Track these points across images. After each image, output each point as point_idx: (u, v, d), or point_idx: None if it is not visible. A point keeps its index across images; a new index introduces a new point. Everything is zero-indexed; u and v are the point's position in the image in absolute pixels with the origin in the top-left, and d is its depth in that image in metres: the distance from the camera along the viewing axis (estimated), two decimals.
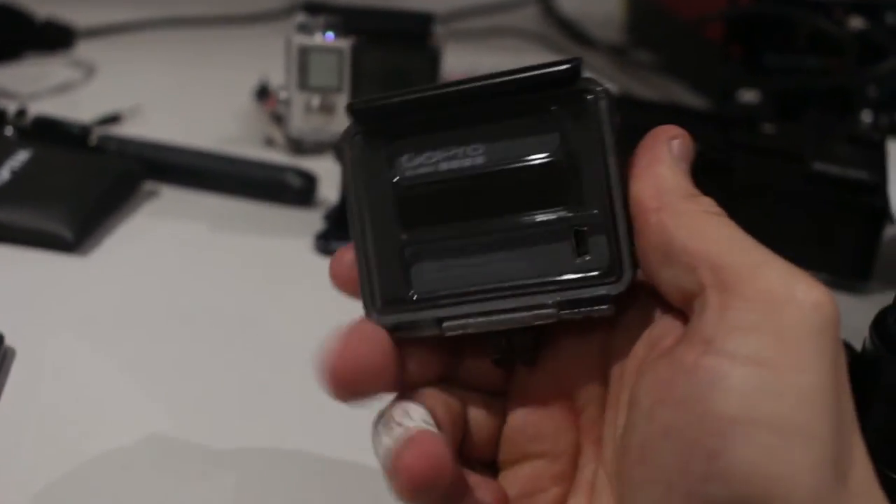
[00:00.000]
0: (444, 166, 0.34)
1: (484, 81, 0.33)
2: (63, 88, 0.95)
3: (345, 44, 0.64)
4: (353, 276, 0.34)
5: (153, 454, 0.48)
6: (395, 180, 0.34)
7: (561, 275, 0.33)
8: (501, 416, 0.36)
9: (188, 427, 0.50)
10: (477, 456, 0.35)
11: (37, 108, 0.79)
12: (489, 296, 0.33)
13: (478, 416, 0.35)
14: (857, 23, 0.90)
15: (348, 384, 0.32)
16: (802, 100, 0.93)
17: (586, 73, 0.33)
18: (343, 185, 0.35)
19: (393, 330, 0.34)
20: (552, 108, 0.33)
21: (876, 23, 0.91)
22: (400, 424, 0.32)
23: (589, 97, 0.33)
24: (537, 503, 0.35)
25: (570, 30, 1.28)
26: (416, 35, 0.65)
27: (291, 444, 0.49)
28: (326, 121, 0.66)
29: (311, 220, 0.71)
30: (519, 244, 0.34)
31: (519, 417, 0.35)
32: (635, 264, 0.32)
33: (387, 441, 0.32)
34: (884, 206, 0.65)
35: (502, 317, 0.33)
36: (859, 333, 0.57)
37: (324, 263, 0.66)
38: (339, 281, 0.35)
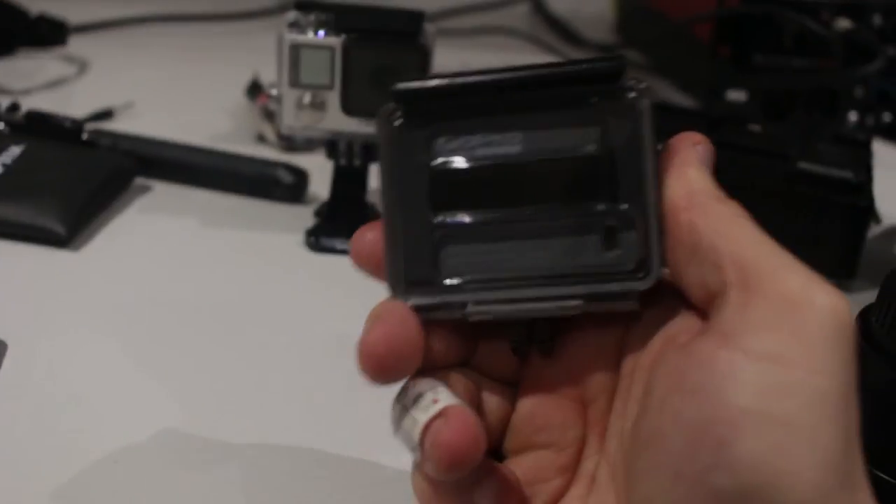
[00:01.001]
0: (480, 152, 0.34)
1: (528, 71, 0.34)
2: (55, 84, 0.96)
3: (336, 41, 0.65)
4: (375, 253, 0.34)
5: (145, 448, 0.48)
6: (430, 162, 0.34)
7: (590, 268, 0.34)
8: (511, 405, 0.36)
9: (179, 421, 0.50)
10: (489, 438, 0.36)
11: (29, 104, 0.79)
12: (516, 283, 0.34)
13: (489, 403, 0.36)
14: (843, 24, 0.91)
15: (389, 366, 0.33)
16: (789, 100, 0.94)
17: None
18: (379, 163, 0.35)
19: (419, 311, 0.34)
20: (594, 103, 0.33)
21: (862, 24, 0.92)
22: (435, 402, 0.33)
23: (632, 95, 0.33)
24: (539, 492, 0.35)
25: (560, 29, 1.28)
26: (407, 33, 0.65)
27: (280, 438, 0.49)
28: (317, 118, 0.66)
29: (302, 217, 0.71)
30: (550, 234, 0.34)
31: (528, 407, 0.36)
32: (663, 263, 0.33)
33: (421, 417, 0.32)
34: (868, 205, 0.66)
35: (528, 305, 0.34)
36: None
37: (314, 259, 0.67)
38: (361, 259, 0.35)
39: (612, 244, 0.34)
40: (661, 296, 0.34)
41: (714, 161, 0.34)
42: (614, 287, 0.33)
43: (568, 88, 0.34)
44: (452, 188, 0.34)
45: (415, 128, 0.34)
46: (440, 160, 0.34)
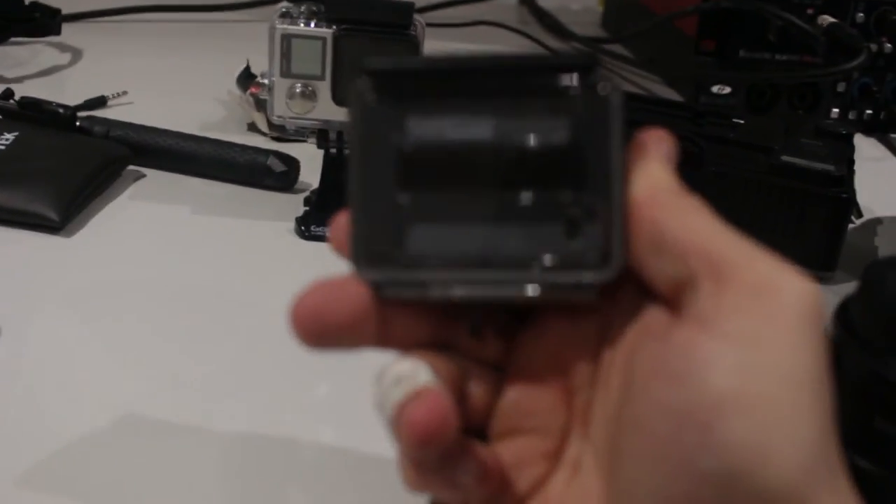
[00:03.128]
0: (451, 134, 0.34)
1: (504, 58, 0.34)
2: (48, 71, 0.96)
3: (327, 32, 0.66)
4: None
5: (137, 431, 0.49)
6: (400, 141, 0.34)
7: (551, 256, 0.34)
8: (497, 390, 0.37)
9: (171, 405, 0.51)
10: (470, 425, 0.37)
11: (22, 91, 0.79)
12: (476, 266, 0.34)
13: (475, 387, 0.36)
14: (826, 20, 0.92)
15: (311, 331, 0.33)
16: (773, 94, 0.96)
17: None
18: (348, 137, 0.35)
19: (378, 287, 0.34)
20: (568, 94, 0.34)
21: (845, 20, 0.94)
22: (409, 380, 0.33)
23: (605, 88, 0.34)
24: (523, 477, 0.36)
25: (547, 22, 1.29)
26: (398, 25, 0.66)
27: (271, 423, 0.50)
28: (308, 107, 0.67)
29: (293, 204, 0.72)
30: (514, 220, 0.34)
31: (515, 393, 0.36)
32: (625, 256, 0.33)
33: (396, 394, 0.33)
34: (849, 197, 0.67)
35: (486, 289, 0.34)
36: (828, 321, 0.59)
37: (304, 247, 0.68)
38: (336, 243, 0.35)
39: (574, 234, 0.34)
40: (632, 287, 0.34)
41: (678, 156, 0.35)
42: (574, 277, 0.34)
43: (542, 78, 0.34)
44: (420, 168, 0.34)
45: (387, 105, 0.34)
46: (410, 139, 0.34)
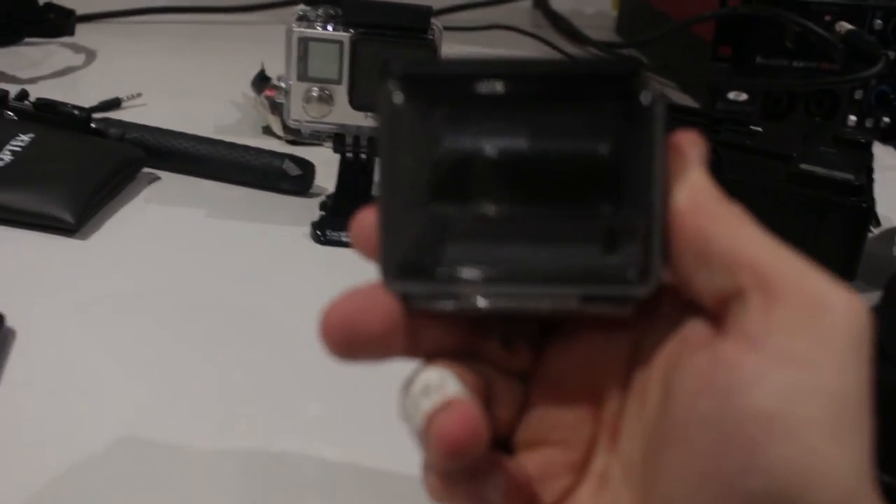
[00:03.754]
0: (486, 143, 0.33)
1: (542, 65, 0.33)
2: (63, 72, 0.96)
3: (344, 36, 0.65)
4: (372, 237, 0.33)
5: (149, 436, 0.49)
6: (431, 149, 0.33)
7: (589, 269, 0.33)
8: (524, 399, 0.37)
9: (185, 410, 0.51)
10: (495, 436, 0.36)
11: (36, 92, 0.79)
12: (512, 279, 0.33)
13: (501, 396, 0.36)
14: (844, 27, 0.92)
15: (342, 341, 0.33)
16: (789, 101, 0.95)
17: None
18: (377, 144, 0.33)
19: (408, 299, 0.33)
20: (607, 104, 0.33)
21: (862, 27, 0.93)
22: (438, 390, 0.33)
23: (648, 99, 0.32)
24: (548, 489, 0.36)
25: (562, 26, 1.29)
26: (416, 29, 0.66)
27: (287, 429, 0.50)
28: (325, 111, 0.66)
29: (308, 209, 0.72)
30: (551, 232, 0.33)
31: (542, 403, 0.36)
32: (664, 270, 0.32)
33: (425, 404, 0.32)
34: (869, 206, 0.67)
35: (520, 302, 0.33)
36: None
37: (320, 251, 0.68)
38: (359, 241, 0.34)
39: (613, 248, 0.33)
40: (670, 299, 0.34)
41: (712, 160, 0.34)
42: (612, 291, 0.33)
43: (582, 86, 0.33)
44: (452, 177, 0.33)
45: (417, 112, 0.32)
46: (442, 147, 0.33)
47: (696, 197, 0.32)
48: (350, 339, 0.33)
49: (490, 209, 0.33)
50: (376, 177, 0.33)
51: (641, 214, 0.32)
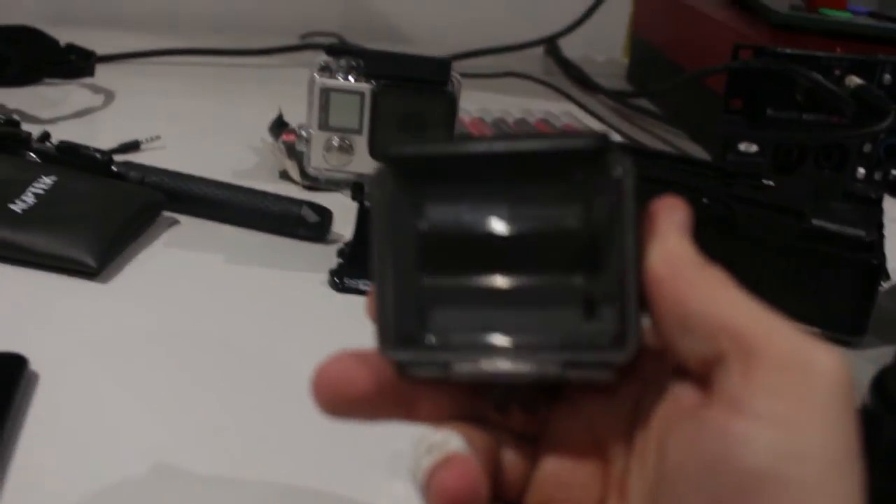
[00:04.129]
0: (468, 219, 0.35)
1: (516, 143, 0.34)
2: (82, 113, 0.97)
3: (366, 87, 0.67)
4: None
5: (171, 480, 0.49)
6: (420, 226, 0.35)
7: (569, 337, 0.34)
8: (531, 461, 0.37)
9: (204, 454, 0.51)
10: (505, 497, 0.37)
11: (55, 133, 0.80)
12: (496, 347, 0.35)
13: (509, 458, 0.37)
14: (854, 81, 0.93)
15: (328, 401, 0.35)
16: (799, 154, 0.96)
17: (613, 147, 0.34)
18: (371, 223, 0.36)
19: (402, 367, 0.35)
20: (579, 178, 0.34)
21: (872, 82, 0.94)
22: (440, 447, 0.34)
23: (617, 172, 0.34)
24: None
25: (573, 73, 1.30)
26: (436, 81, 0.67)
27: (301, 477, 0.50)
28: (345, 160, 0.68)
29: (326, 255, 0.73)
30: (532, 302, 0.35)
31: (550, 464, 0.37)
32: (641, 337, 0.33)
33: (426, 461, 0.33)
34: (880, 263, 0.67)
35: (507, 370, 0.34)
36: (855, 386, 0.59)
37: (337, 299, 0.68)
38: (370, 313, 0.36)
39: (591, 316, 0.34)
40: (662, 362, 0.35)
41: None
42: (591, 357, 0.34)
43: (557, 161, 0.34)
44: (440, 252, 0.35)
45: (406, 192, 0.35)
46: (428, 224, 0.35)
47: (671, 262, 0.33)
48: (336, 400, 0.35)
49: (475, 281, 0.36)
50: (371, 250, 0.35)
51: (616, 283, 0.34)
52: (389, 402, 0.35)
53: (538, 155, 0.34)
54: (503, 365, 0.35)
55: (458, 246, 0.35)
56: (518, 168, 0.35)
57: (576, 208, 0.35)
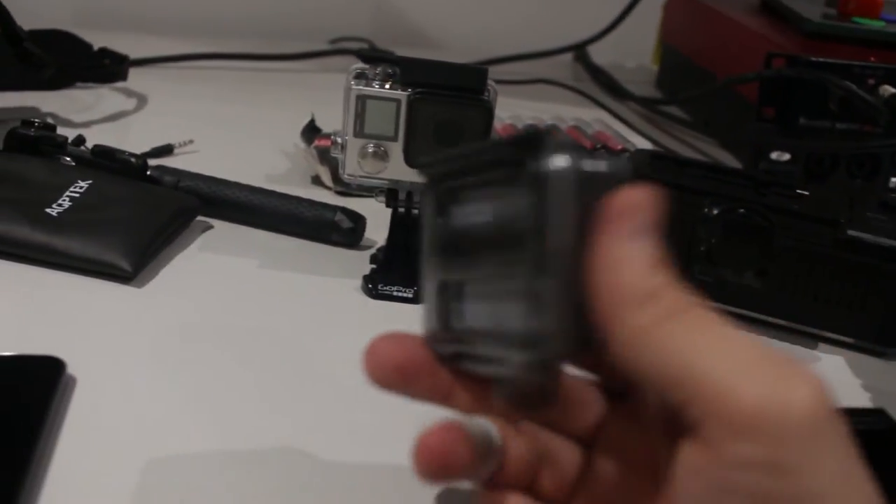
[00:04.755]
0: (469, 220, 0.39)
1: (482, 146, 0.39)
2: (115, 117, 0.98)
3: (402, 95, 0.67)
4: None
5: (208, 483, 0.49)
6: (439, 228, 0.40)
7: (515, 334, 0.35)
8: (583, 461, 0.38)
9: (241, 458, 0.51)
10: (554, 495, 0.37)
11: (89, 136, 0.81)
12: (468, 341, 0.39)
13: (562, 457, 0.37)
14: (888, 90, 0.93)
15: (386, 376, 0.39)
16: (832, 163, 0.96)
17: (555, 146, 0.33)
18: (421, 232, 0.40)
19: (443, 358, 0.40)
20: (524, 179, 0.34)
21: None
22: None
23: (549, 170, 0.33)
24: None
25: (602, 80, 1.30)
26: (471, 89, 0.67)
27: (337, 482, 0.50)
28: (379, 167, 0.68)
29: (359, 261, 0.73)
30: (495, 298, 0.37)
31: (604, 472, 0.37)
32: (569, 341, 0.34)
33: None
34: None
35: (480, 365, 0.38)
36: (886, 397, 0.59)
37: (371, 304, 0.69)
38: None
39: (532, 314, 0.34)
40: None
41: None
42: (528, 356, 0.34)
43: (509, 160, 0.35)
44: (451, 250, 0.39)
45: (432, 199, 0.40)
46: (445, 226, 0.40)
47: (615, 300, 0.32)
48: (379, 367, 0.39)
49: (461, 277, 0.39)
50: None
51: (550, 283, 0.33)
52: (424, 380, 0.39)
53: (495, 155, 0.37)
54: (483, 362, 0.38)
55: (463, 244, 0.39)
56: (490, 172, 0.37)
57: (525, 208, 0.34)
